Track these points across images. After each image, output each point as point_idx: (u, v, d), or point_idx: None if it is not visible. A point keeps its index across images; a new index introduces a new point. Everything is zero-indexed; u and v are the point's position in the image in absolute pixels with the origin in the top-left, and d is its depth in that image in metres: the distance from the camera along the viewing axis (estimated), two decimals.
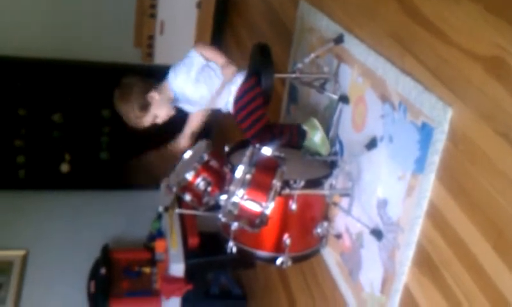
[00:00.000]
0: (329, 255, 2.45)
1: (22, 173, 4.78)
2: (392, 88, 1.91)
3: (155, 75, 2.33)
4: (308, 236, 2.30)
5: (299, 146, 2.36)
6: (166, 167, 2.38)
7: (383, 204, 1.98)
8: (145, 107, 2.27)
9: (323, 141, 2.32)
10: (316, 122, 2.33)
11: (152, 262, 3.96)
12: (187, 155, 2.39)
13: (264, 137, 2.28)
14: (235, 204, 1.85)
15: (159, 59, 4.39)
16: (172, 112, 2.34)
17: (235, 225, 1.94)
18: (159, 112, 2.30)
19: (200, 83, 2.27)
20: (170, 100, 2.32)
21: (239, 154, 2.32)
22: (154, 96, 2.26)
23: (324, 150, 2.33)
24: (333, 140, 2.36)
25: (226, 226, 2.12)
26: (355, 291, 2.22)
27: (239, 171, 1.86)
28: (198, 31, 4.35)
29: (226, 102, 2.35)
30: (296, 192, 2.09)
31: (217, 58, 2.29)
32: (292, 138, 2.36)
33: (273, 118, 3.04)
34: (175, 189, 2.30)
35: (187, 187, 2.26)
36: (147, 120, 2.31)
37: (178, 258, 3.61)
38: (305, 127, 2.34)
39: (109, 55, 4.67)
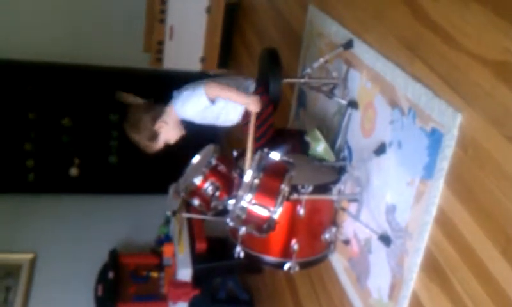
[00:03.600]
0: (337, 261, 2.44)
1: (31, 177, 4.80)
2: (401, 93, 1.91)
3: (164, 83, 2.31)
4: (316, 242, 2.30)
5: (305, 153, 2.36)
6: None
7: (391, 209, 1.98)
8: (154, 137, 2.28)
9: (326, 151, 2.31)
10: (318, 134, 2.32)
11: (160, 267, 3.97)
12: (195, 159, 2.39)
13: (272, 145, 2.28)
14: (243, 208, 1.84)
15: (168, 64, 4.41)
16: (183, 132, 2.33)
17: (242, 230, 1.93)
18: (169, 137, 2.30)
19: (207, 116, 2.27)
20: (178, 122, 2.31)
21: None
22: (161, 126, 2.26)
23: (328, 158, 2.32)
24: (342, 145, 2.36)
25: (234, 231, 2.12)
26: (363, 298, 2.21)
27: (247, 176, 1.86)
28: (207, 36, 4.37)
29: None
30: (304, 197, 2.09)
31: (234, 98, 2.22)
32: (294, 147, 2.36)
33: (282, 123, 3.04)
34: (183, 194, 2.30)
35: (196, 191, 2.26)
36: (159, 145, 2.32)
37: (186, 262, 3.62)
38: (308, 139, 2.34)
39: (119, 61, 4.70)
